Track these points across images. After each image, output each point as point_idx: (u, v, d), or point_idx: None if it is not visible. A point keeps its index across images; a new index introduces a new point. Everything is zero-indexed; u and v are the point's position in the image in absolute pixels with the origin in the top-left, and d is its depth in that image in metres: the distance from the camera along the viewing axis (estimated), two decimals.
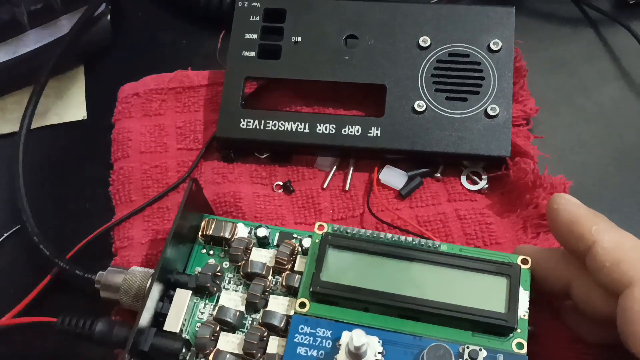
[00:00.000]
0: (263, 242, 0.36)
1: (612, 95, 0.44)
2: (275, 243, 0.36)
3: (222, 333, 0.34)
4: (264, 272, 0.34)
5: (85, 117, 0.47)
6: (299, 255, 0.35)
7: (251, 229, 0.37)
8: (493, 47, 0.41)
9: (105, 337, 0.34)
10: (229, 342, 0.33)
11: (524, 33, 0.44)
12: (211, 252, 0.37)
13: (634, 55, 0.45)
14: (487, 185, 0.40)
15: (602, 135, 0.43)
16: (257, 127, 0.42)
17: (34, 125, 0.46)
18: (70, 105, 0.47)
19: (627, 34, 0.45)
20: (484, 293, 0.31)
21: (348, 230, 0.34)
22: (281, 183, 0.42)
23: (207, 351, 0.33)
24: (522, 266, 0.32)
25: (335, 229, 0.34)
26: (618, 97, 0.44)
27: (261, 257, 0.35)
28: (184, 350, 0.33)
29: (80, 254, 0.40)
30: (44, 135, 0.46)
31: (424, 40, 0.42)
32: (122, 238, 0.41)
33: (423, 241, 0.33)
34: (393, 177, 0.41)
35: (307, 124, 0.41)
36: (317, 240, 0.34)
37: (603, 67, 0.45)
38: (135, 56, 0.49)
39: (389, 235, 0.33)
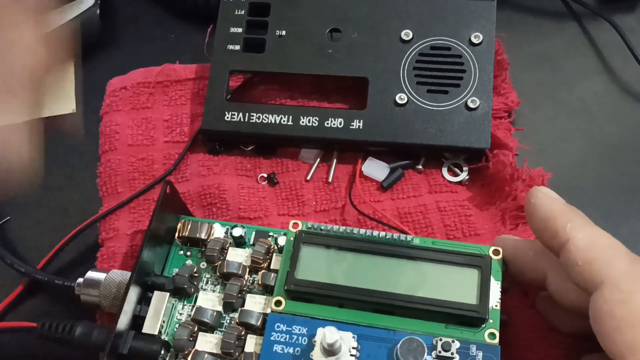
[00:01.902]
0: (239, 242, 0.36)
1: (594, 90, 0.44)
2: (251, 242, 0.36)
3: (200, 333, 0.34)
4: (240, 272, 0.34)
5: (74, 111, 0.47)
6: (274, 254, 0.35)
7: (227, 229, 0.37)
8: (474, 41, 0.41)
9: (85, 341, 0.34)
10: (208, 342, 0.33)
11: (508, 27, 0.44)
12: (188, 253, 0.37)
13: (617, 50, 0.45)
14: (468, 177, 0.41)
15: (583, 129, 0.43)
16: (242, 120, 0.42)
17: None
18: (59, 99, 0.47)
19: (611, 29, 0.45)
20: (455, 285, 0.31)
21: (322, 227, 0.34)
22: (265, 175, 0.43)
23: (186, 352, 0.33)
24: (493, 257, 0.32)
25: (309, 226, 0.34)
26: (600, 92, 0.44)
27: (237, 256, 0.35)
28: (162, 352, 0.33)
29: (69, 245, 0.41)
30: None
31: (406, 34, 0.42)
32: (108, 229, 0.41)
33: (396, 235, 0.33)
34: (375, 169, 0.41)
35: (290, 117, 0.42)
36: (291, 239, 0.34)
37: (586, 62, 0.45)
38: (124, 50, 0.49)
39: (362, 231, 0.34)
